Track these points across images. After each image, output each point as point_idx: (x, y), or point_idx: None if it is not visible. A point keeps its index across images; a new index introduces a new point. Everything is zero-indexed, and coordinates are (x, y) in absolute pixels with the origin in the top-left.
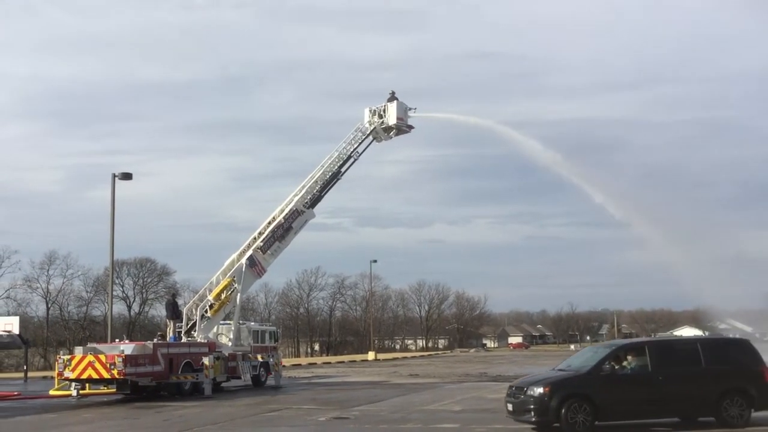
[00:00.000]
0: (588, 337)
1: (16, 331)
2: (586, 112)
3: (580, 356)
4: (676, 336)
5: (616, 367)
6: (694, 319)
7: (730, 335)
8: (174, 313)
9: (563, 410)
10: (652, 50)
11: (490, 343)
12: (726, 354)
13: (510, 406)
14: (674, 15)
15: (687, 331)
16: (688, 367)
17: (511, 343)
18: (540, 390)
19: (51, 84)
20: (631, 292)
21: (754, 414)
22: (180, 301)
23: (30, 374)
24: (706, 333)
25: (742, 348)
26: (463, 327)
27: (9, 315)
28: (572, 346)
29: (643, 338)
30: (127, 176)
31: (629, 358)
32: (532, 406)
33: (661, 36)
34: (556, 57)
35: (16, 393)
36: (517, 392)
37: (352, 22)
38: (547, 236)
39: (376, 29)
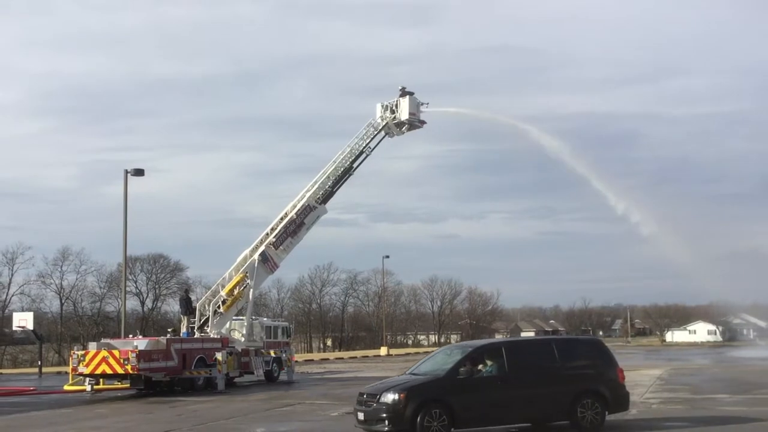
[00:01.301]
0: (601, 332)
1: (30, 326)
2: (600, 106)
3: (435, 359)
4: (529, 336)
5: (474, 369)
6: (707, 314)
7: (744, 331)
8: (187, 308)
9: (419, 418)
10: (666, 43)
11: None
12: (580, 355)
13: (360, 416)
14: (687, 7)
15: (700, 326)
16: (543, 368)
17: None
18: (394, 396)
19: (66, 80)
20: (644, 286)
21: (608, 418)
22: (192, 297)
23: (44, 370)
24: (719, 328)
25: (596, 348)
26: (475, 322)
27: (23, 311)
28: None
29: (501, 339)
30: (139, 172)
31: (486, 360)
32: (385, 415)
33: (675, 29)
34: (569, 50)
35: (31, 388)
36: (369, 400)
37: (366, 16)
38: (562, 231)
39: (390, 24)
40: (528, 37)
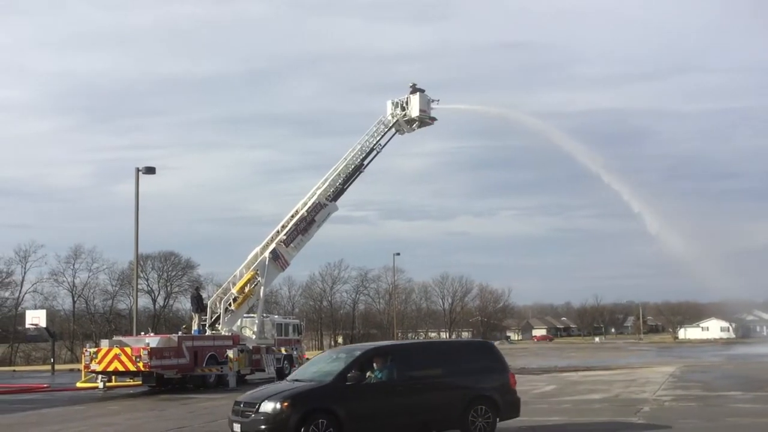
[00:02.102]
0: (613, 330)
1: (43, 324)
2: (612, 102)
3: (319, 363)
4: (433, 338)
5: (364, 375)
6: (720, 311)
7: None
8: (199, 306)
9: (303, 429)
10: (677, 39)
11: (513, 336)
12: (472, 359)
13: (237, 427)
14: (700, 4)
15: (713, 324)
16: (434, 374)
17: (535, 336)
18: (276, 405)
19: (79, 79)
20: (657, 283)
21: (500, 424)
22: (204, 295)
23: (57, 367)
24: (733, 325)
25: (488, 352)
26: (486, 319)
27: (36, 309)
28: (597, 339)
29: (391, 342)
30: (150, 170)
31: (376, 364)
32: (264, 426)
33: (686, 25)
34: (580, 46)
35: (44, 385)
36: (247, 409)
37: (376, 13)
38: (573, 228)
39: (402, 20)
40: (538, 34)
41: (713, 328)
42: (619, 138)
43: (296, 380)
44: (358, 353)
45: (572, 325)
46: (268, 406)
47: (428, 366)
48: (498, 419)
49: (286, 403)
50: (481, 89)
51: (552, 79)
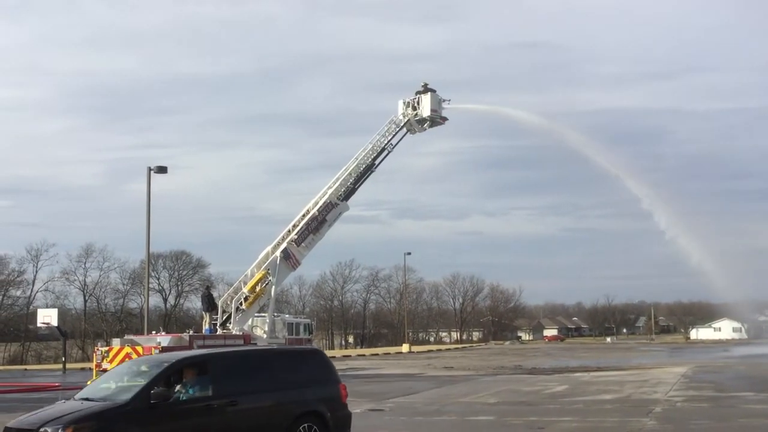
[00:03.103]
0: (624, 330)
1: (54, 323)
2: (627, 101)
3: (116, 377)
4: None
5: (172, 391)
6: (732, 312)
7: None
8: (209, 305)
9: None
10: (693, 39)
11: (525, 336)
12: (300, 369)
13: None
14: (714, 3)
15: (725, 324)
16: (256, 387)
17: (546, 336)
18: None
19: (92, 79)
20: (668, 283)
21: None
22: (215, 294)
23: (68, 366)
24: (745, 325)
25: (317, 362)
26: (497, 319)
27: (48, 307)
28: (608, 339)
29: (205, 351)
30: (162, 170)
31: (187, 377)
32: None
33: (702, 24)
34: (596, 45)
35: (56, 384)
36: None
37: (390, 13)
38: (586, 228)
39: (415, 20)
40: (553, 33)
41: (725, 329)
42: (633, 137)
43: (86, 399)
44: (165, 365)
45: (583, 326)
46: None
47: (249, 378)
48: None
49: (69, 429)
50: (494, 89)
51: (565, 78)
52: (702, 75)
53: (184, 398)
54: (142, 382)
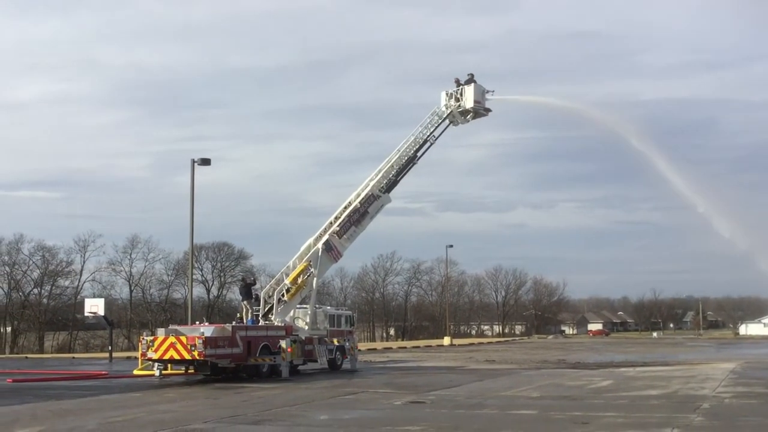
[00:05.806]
0: (671, 325)
1: (101, 312)
2: (677, 91)
3: None
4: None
5: None
6: None
7: None
8: (248, 295)
9: None
10: (747, 28)
11: (568, 330)
12: None
13: None
14: None
15: None
16: None
17: (590, 330)
18: None
19: (142, 72)
20: (717, 278)
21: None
22: (257, 285)
23: (115, 354)
24: None
25: None
26: (540, 313)
27: (95, 297)
28: (654, 334)
29: None
30: (206, 162)
31: None
32: None
33: (757, 13)
34: (649, 35)
35: (103, 372)
36: None
37: (439, 3)
38: (635, 221)
39: (464, 11)
40: (606, 23)
41: None
42: (685, 128)
43: None
44: None
45: (629, 320)
46: None
47: None
48: None
49: None
50: (545, 79)
51: (618, 68)
52: (756, 65)
53: None
54: None
